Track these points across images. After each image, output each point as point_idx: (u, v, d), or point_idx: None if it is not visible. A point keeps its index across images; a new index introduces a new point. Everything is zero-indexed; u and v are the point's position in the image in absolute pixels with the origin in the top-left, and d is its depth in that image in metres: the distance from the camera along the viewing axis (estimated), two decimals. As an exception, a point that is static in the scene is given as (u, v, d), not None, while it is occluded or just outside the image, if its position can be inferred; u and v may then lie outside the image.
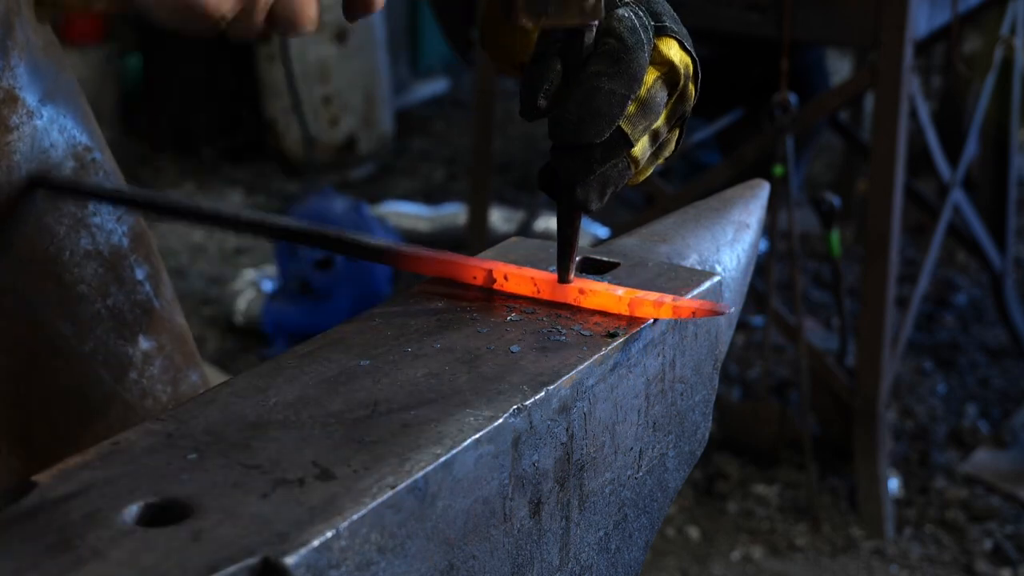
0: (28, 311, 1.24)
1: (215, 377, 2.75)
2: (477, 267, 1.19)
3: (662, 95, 1.12)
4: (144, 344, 1.33)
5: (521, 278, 1.19)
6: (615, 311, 1.16)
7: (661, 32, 1.12)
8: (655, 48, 1.11)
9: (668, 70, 1.12)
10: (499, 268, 1.19)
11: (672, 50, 1.12)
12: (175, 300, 1.38)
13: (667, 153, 1.18)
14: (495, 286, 1.19)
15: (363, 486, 0.90)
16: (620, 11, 1.09)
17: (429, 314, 1.16)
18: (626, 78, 1.08)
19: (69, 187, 1.25)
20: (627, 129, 1.11)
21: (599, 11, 1.08)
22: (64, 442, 1.26)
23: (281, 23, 1.01)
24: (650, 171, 1.19)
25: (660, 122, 1.14)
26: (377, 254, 1.22)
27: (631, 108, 1.10)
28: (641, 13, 1.10)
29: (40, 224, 1.25)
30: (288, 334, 3.98)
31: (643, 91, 1.11)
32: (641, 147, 1.13)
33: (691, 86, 1.15)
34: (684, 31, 1.14)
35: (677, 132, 1.18)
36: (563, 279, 1.18)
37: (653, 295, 1.15)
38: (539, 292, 1.18)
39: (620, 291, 1.16)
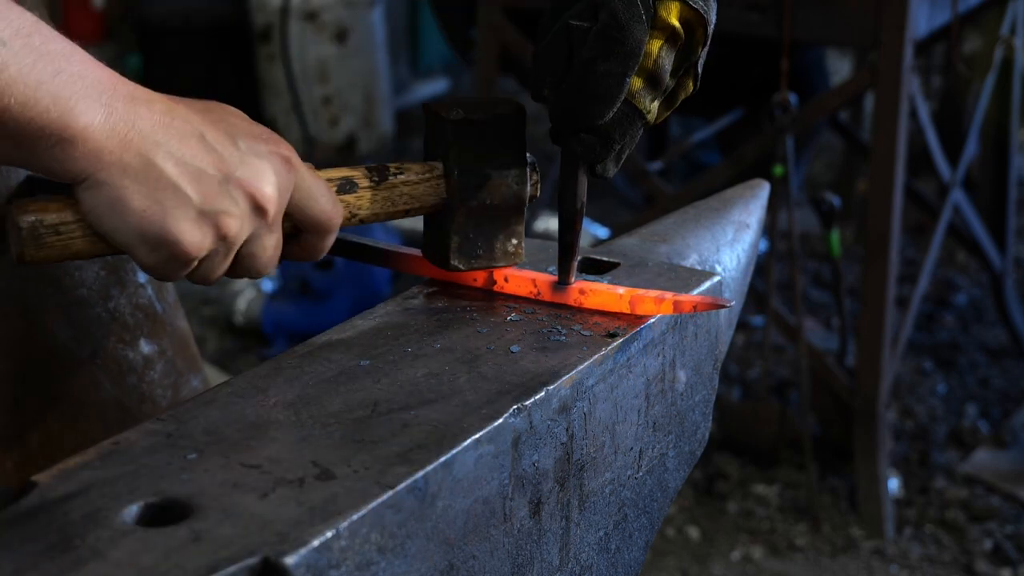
0: (26, 314, 1.24)
1: (215, 377, 2.75)
2: None
3: (669, 60, 1.11)
4: (145, 348, 1.32)
5: (521, 279, 1.19)
6: (616, 310, 1.16)
7: None
8: (656, 15, 1.10)
9: (671, 34, 1.11)
10: (499, 270, 1.19)
11: (672, 14, 1.10)
12: (177, 303, 1.37)
13: (683, 97, 1.17)
14: (495, 287, 1.19)
15: (363, 486, 0.90)
16: None
17: (429, 314, 1.16)
18: (621, 57, 1.08)
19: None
20: (640, 105, 1.11)
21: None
22: (60, 446, 1.25)
23: (243, 271, 1.06)
24: (665, 116, 1.18)
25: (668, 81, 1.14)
26: (379, 257, 1.22)
27: (638, 83, 1.10)
28: None
29: None
30: (288, 334, 3.98)
31: (650, 63, 1.10)
32: (652, 113, 1.13)
33: (699, 32, 1.12)
34: None
35: (691, 79, 1.16)
36: (564, 281, 1.18)
37: (654, 292, 1.15)
38: (539, 294, 1.18)
39: (621, 290, 1.16)
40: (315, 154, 5.37)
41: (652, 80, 1.11)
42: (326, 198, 1.08)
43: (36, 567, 0.81)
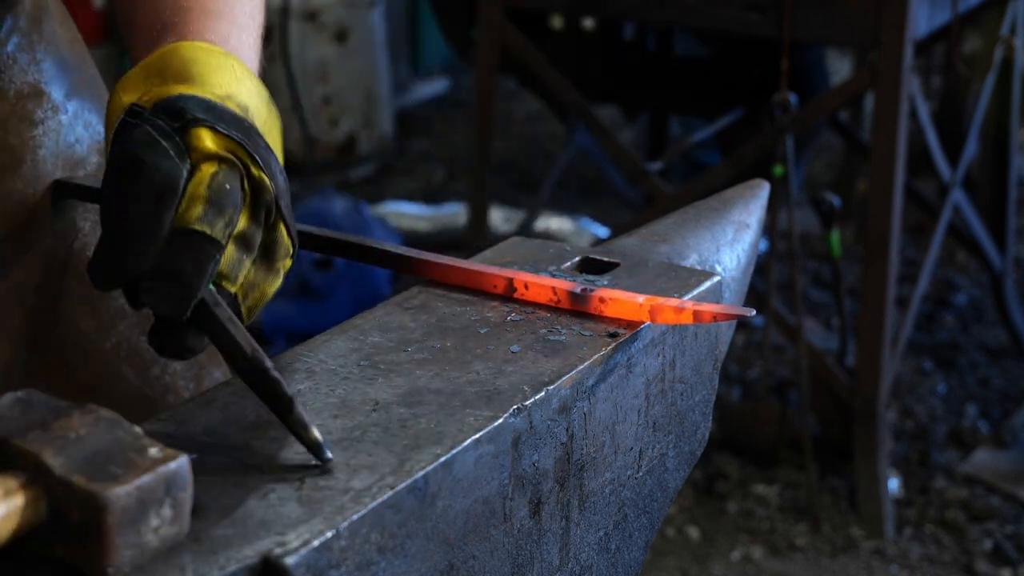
0: (50, 307, 1.24)
1: (215, 377, 2.74)
2: (498, 275, 1.19)
3: (234, 186, 1.00)
4: None
5: (541, 287, 1.18)
6: (636, 319, 1.15)
7: (192, 124, 0.99)
8: (191, 144, 0.99)
9: (220, 159, 1.00)
10: (520, 277, 1.18)
11: (205, 140, 0.99)
12: None
13: (284, 254, 1.09)
14: (515, 295, 1.18)
15: (363, 486, 0.90)
16: (132, 132, 0.99)
17: (429, 314, 1.16)
18: (148, 193, 0.97)
19: (92, 193, 1.23)
20: (205, 229, 0.98)
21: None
22: None
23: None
24: (273, 285, 1.10)
25: (244, 222, 1.02)
26: (395, 261, 1.21)
27: (197, 210, 0.98)
28: (159, 121, 0.99)
29: (64, 220, 1.25)
30: (288, 334, 3.97)
31: (201, 188, 0.98)
32: (229, 256, 1.02)
33: (256, 172, 1.01)
34: (224, 114, 1.02)
35: (284, 231, 1.07)
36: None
37: (674, 301, 1.15)
38: (559, 302, 1.17)
39: (641, 299, 1.15)
40: (315, 154, 5.37)
41: (213, 203, 0.98)
42: None
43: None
